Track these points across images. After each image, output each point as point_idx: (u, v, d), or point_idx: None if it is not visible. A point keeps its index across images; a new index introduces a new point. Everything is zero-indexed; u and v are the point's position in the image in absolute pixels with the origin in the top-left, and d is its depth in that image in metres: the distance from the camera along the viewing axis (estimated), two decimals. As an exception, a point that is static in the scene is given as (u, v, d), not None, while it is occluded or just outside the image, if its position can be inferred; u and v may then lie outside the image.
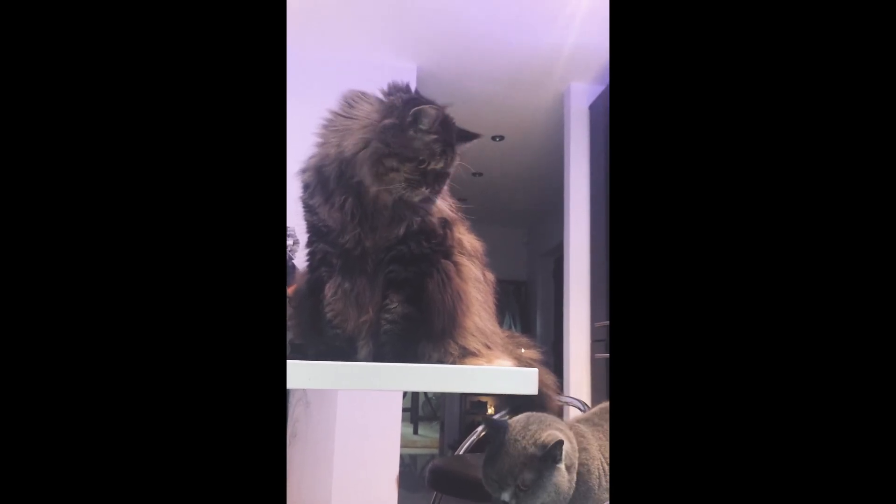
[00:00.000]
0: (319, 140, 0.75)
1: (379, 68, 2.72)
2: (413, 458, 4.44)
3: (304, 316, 0.78)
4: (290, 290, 0.90)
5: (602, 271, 2.55)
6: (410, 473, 3.78)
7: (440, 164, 0.71)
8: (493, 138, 3.54)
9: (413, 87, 0.77)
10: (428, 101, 0.72)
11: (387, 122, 0.70)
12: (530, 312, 5.31)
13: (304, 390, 2.19)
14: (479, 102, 3.07)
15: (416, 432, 5.37)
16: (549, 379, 0.91)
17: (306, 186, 0.76)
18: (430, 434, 5.34)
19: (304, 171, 0.76)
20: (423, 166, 0.70)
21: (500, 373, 0.71)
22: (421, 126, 0.70)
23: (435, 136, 0.71)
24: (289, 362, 0.61)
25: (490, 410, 4.53)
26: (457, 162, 0.74)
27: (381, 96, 0.75)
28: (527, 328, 5.19)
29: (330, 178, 0.72)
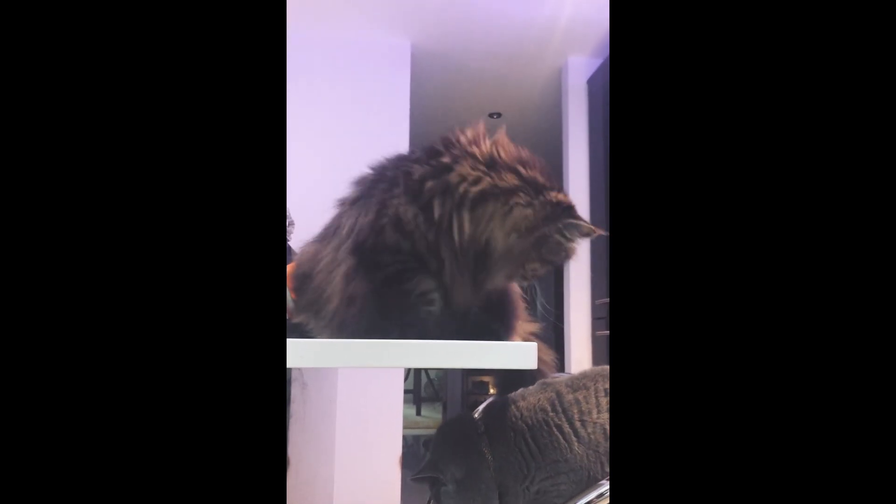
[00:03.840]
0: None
1: (373, 45, 2.67)
2: (416, 438, 4.47)
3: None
4: (289, 268, 0.88)
5: (602, 249, 2.53)
6: (414, 454, 3.81)
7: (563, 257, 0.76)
8: (491, 115, 3.50)
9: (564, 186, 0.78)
10: (582, 219, 0.75)
11: (541, 232, 0.71)
12: (531, 291, 5.30)
13: (300, 371, 2.18)
14: (475, 79, 3.03)
15: (418, 413, 5.41)
16: (548, 355, 0.90)
17: (429, 217, 0.71)
18: (432, 415, 5.37)
19: (432, 210, 0.71)
20: (555, 264, 0.74)
21: (498, 347, 0.69)
22: (567, 235, 0.74)
23: (574, 244, 0.75)
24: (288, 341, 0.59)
25: (492, 391, 4.55)
26: None
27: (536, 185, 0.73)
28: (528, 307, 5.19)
29: (457, 244, 0.71)
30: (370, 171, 0.78)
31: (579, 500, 0.70)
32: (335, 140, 2.52)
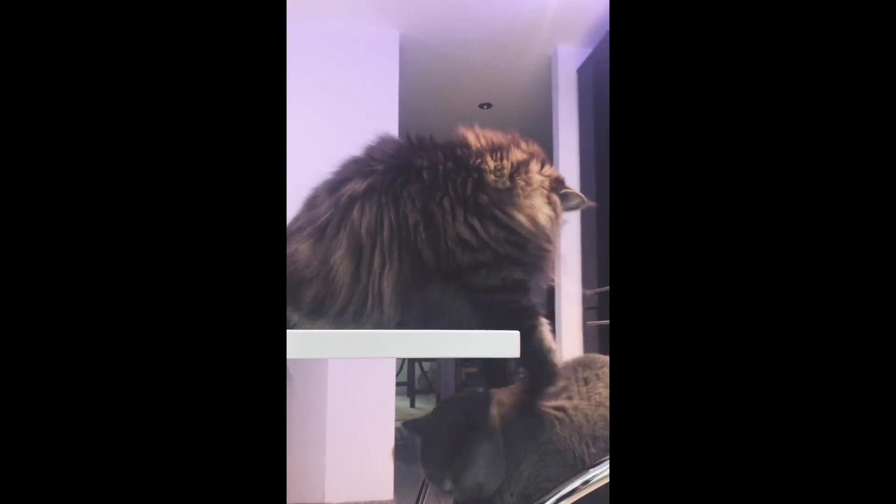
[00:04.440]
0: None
1: (361, 36, 2.65)
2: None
3: None
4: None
5: (592, 239, 2.53)
6: (408, 446, 3.81)
7: None
8: (481, 106, 3.48)
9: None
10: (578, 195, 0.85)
11: (553, 200, 0.80)
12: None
13: (289, 364, 2.17)
14: (464, 69, 3.01)
15: (412, 405, 5.42)
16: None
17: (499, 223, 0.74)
18: (426, 407, 5.38)
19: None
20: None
21: (482, 336, 0.68)
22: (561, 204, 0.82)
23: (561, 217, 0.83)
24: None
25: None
26: None
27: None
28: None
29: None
30: (375, 163, 0.76)
31: (564, 487, 0.70)
32: (323, 131, 2.50)
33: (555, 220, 0.79)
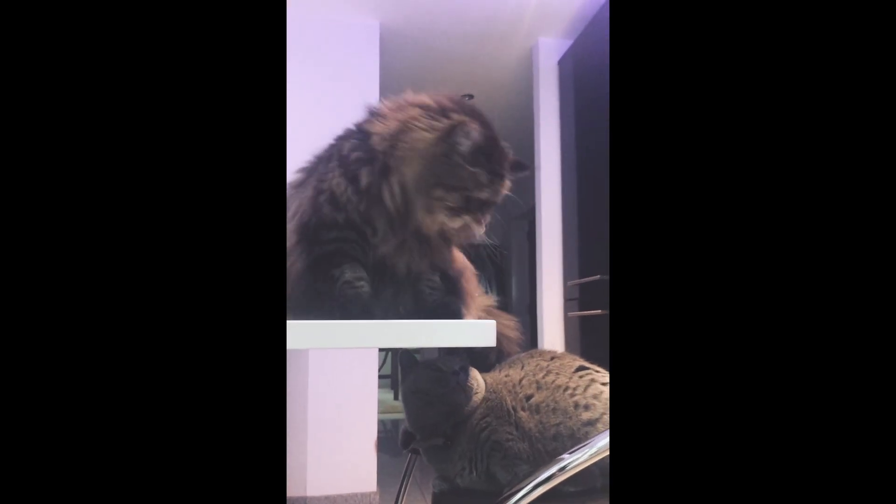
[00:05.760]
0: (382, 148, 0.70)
1: (341, 26, 2.62)
2: (395, 423, 4.48)
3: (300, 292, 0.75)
4: None
5: (573, 230, 2.54)
6: (392, 438, 3.82)
7: (485, 194, 0.70)
8: (462, 97, 3.47)
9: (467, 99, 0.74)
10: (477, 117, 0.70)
11: (437, 150, 0.68)
12: (506, 275, 5.35)
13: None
14: (445, 61, 3.00)
15: (396, 398, 5.43)
16: (512, 332, 0.91)
17: (357, 188, 0.70)
18: (410, 399, 5.39)
19: (359, 164, 0.71)
20: (466, 194, 0.69)
21: (458, 326, 0.68)
22: (460, 147, 0.68)
23: (479, 168, 0.69)
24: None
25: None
26: (505, 191, 0.73)
27: (435, 115, 0.71)
28: (502, 290, 5.23)
29: (391, 207, 0.70)
30: (313, 158, 0.79)
31: (540, 474, 0.71)
32: (303, 122, 2.48)
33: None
